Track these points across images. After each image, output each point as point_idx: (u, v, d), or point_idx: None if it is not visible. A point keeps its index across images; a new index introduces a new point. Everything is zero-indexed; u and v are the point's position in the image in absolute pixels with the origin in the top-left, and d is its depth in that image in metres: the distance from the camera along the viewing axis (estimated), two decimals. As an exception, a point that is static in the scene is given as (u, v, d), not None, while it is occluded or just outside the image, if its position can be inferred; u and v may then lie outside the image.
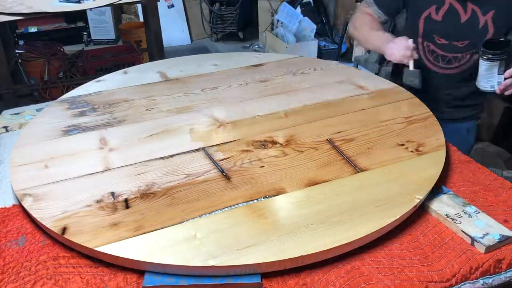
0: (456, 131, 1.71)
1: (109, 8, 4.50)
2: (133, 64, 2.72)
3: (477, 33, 1.56)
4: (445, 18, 1.60)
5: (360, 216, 0.95)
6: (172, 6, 4.76)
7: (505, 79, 1.42)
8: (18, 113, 1.51)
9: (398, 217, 0.95)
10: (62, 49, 3.88)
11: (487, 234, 0.95)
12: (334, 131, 1.27)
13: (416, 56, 1.54)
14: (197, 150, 1.20)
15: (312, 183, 1.06)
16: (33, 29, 4.51)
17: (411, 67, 1.52)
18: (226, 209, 0.98)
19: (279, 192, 1.03)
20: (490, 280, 0.91)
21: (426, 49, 1.67)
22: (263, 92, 1.53)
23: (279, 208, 0.98)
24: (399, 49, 1.53)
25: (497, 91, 1.45)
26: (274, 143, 1.22)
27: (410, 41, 1.52)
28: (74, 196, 1.02)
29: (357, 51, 4.20)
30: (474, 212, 1.01)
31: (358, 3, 3.10)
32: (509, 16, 1.54)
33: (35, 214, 0.97)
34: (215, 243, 0.88)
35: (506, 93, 1.44)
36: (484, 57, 1.40)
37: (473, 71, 1.55)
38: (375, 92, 1.51)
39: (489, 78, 1.43)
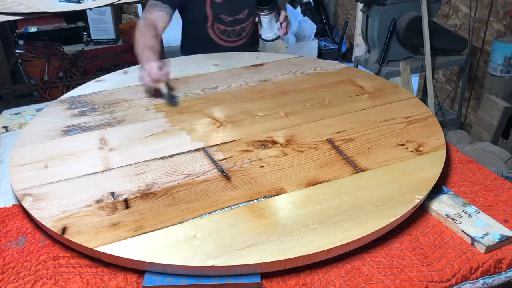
0: None
1: (109, 8, 4.50)
2: (133, 64, 2.71)
3: (251, 1, 1.76)
4: None
5: (360, 216, 0.95)
6: (172, 6, 4.75)
7: (281, 24, 1.72)
8: (18, 113, 1.51)
9: (398, 217, 0.95)
10: (62, 49, 3.88)
11: (487, 234, 0.95)
12: (334, 131, 1.27)
13: (164, 80, 1.46)
14: (197, 150, 1.20)
15: (312, 183, 1.06)
16: (33, 29, 4.51)
17: (164, 90, 1.48)
18: (226, 209, 0.98)
19: (279, 192, 1.03)
20: (490, 280, 0.91)
21: (217, 30, 1.86)
22: (263, 92, 1.53)
23: (279, 208, 0.98)
24: (147, 75, 1.44)
25: (281, 35, 1.74)
26: (274, 143, 1.22)
27: (156, 65, 1.44)
28: (74, 196, 1.02)
29: (357, 51, 4.20)
30: (474, 212, 1.01)
31: (358, 3, 3.11)
32: None
33: (35, 214, 0.97)
34: (215, 243, 0.88)
35: (287, 32, 1.74)
36: (264, 13, 1.65)
37: (255, 34, 1.91)
38: (375, 92, 1.51)
39: (272, 28, 1.69)
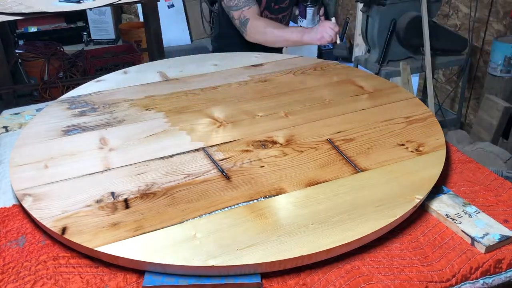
0: None
1: (109, 8, 4.51)
2: (133, 64, 2.72)
3: None
4: None
5: (360, 216, 0.95)
6: (172, 6, 4.76)
7: (320, 17, 1.91)
8: (18, 113, 1.51)
9: (398, 217, 0.95)
10: (62, 49, 3.88)
11: (487, 234, 0.95)
12: (334, 131, 1.27)
13: (340, 30, 1.79)
14: (197, 150, 1.20)
15: (312, 183, 1.06)
16: (33, 29, 4.51)
17: (338, 41, 1.78)
18: (226, 209, 0.98)
19: (279, 192, 1.03)
20: (490, 280, 0.91)
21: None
22: (263, 92, 1.53)
23: (279, 208, 0.98)
24: (327, 30, 1.74)
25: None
26: (274, 143, 1.22)
27: (333, 19, 1.78)
28: (74, 196, 1.02)
29: (357, 51, 4.20)
30: (474, 212, 1.01)
31: (358, 3, 3.11)
32: None
33: (35, 214, 0.97)
34: (215, 243, 0.88)
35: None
36: (309, 5, 1.83)
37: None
38: (375, 92, 1.51)
39: (314, 20, 1.89)
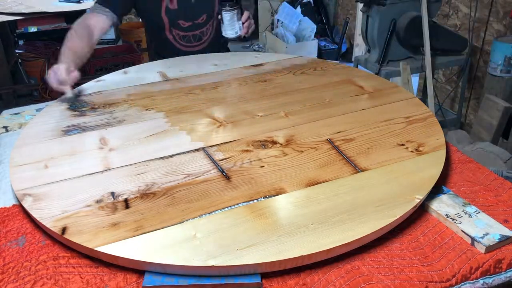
0: None
1: (109, 8, 4.50)
2: (133, 64, 2.72)
3: (208, 5, 1.83)
4: (180, 4, 1.79)
5: (360, 216, 0.95)
6: (172, 6, 4.75)
7: (243, 23, 1.73)
8: (18, 113, 1.51)
9: (398, 217, 0.95)
10: (62, 49, 3.87)
11: (487, 234, 0.95)
12: (334, 131, 1.27)
13: (69, 84, 1.45)
14: (197, 150, 1.20)
15: (312, 183, 1.06)
16: (33, 29, 4.50)
17: (68, 94, 1.46)
18: (226, 209, 0.98)
19: (279, 192, 1.03)
20: (490, 280, 0.91)
21: (176, 36, 1.86)
22: (263, 92, 1.53)
23: (279, 208, 0.98)
24: (55, 75, 1.43)
25: (242, 34, 1.75)
26: (274, 143, 1.22)
27: (63, 67, 1.44)
28: (74, 196, 1.02)
29: (357, 51, 4.20)
30: (474, 212, 1.01)
31: (358, 3, 3.10)
32: None
33: (35, 214, 0.97)
34: (215, 243, 0.88)
35: (248, 33, 1.76)
36: (226, 9, 1.66)
37: (216, 39, 1.91)
38: (375, 92, 1.51)
39: (233, 26, 1.69)
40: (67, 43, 1.61)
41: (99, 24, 1.70)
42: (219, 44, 1.99)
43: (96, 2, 1.76)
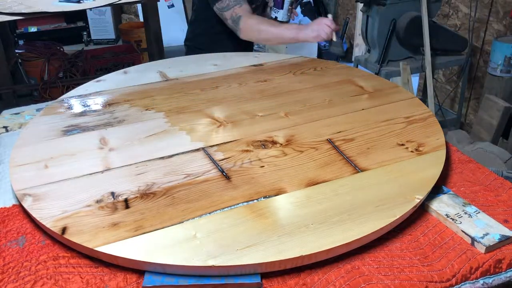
0: None
1: (109, 8, 4.51)
2: (133, 64, 2.72)
3: None
4: None
5: (360, 216, 0.95)
6: (172, 6, 4.76)
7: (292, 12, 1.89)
8: (18, 113, 1.51)
9: (398, 217, 0.95)
10: (62, 49, 3.88)
11: (487, 234, 0.95)
12: (334, 131, 1.27)
13: (338, 28, 1.77)
14: (197, 150, 1.20)
15: (312, 183, 1.06)
16: (33, 29, 4.51)
17: (334, 39, 1.76)
18: (226, 209, 0.98)
19: (279, 192, 1.03)
20: (490, 280, 0.91)
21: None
22: (263, 92, 1.53)
23: (279, 208, 0.98)
24: (323, 27, 1.72)
25: (291, 19, 1.92)
26: (274, 143, 1.22)
27: (330, 16, 1.78)
28: (74, 196, 1.02)
29: (357, 51, 4.20)
30: (474, 212, 1.01)
31: (358, 3, 3.10)
32: None
33: (35, 214, 0.97)
34: (215, 243, 0.88)
35: (291, 20, 1.91)
36: None
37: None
38: (375, 92, 1.51)
39: (287, 11, 1.86)
40: (269, 30, 1.81)
41: (249, 9, 1.86)
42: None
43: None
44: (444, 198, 1.06)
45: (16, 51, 3.81)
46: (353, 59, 3.35)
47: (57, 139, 1.26)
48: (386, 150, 1.18)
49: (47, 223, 0.94)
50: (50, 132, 1.30)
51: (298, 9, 4.34)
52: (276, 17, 1.89)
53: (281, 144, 1.21)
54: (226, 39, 2.00)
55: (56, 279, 0.86)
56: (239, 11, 1.81)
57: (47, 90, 3.42)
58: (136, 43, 4.26)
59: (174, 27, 4.77)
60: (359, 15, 3.81)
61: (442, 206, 1.03)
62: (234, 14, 1.82)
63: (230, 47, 1.98)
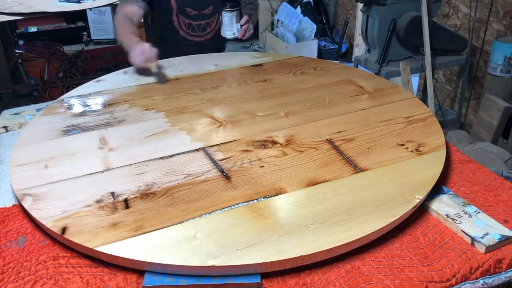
0: None
1: (109, 8, 4.50)
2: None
3: None
4: None
5: (360, 216, 0.95)
6: (172, 6, 4.75)
7: (241, 26, 1.79)
8: (18, 113, 1.51)
9: (398, 217, 0.95)
10: (62, 49, 3.88)
11: (487, 234, 0.95)
12: (334, 131, 1.27)
13: (155, 60, 1.62)
14: (197, 150, 1.20)
15: (312, 183, 1.06)
16: (33, 29, 4.50)
17: (153, 69, 1.65)
18: (226, 209, 0.98)
19: (279, 192, 1.03)
20: (490, 280, 0.91)
21: (182, 23, 1.90)
22: (263, 92, 1.53)
23: (279, 208, 0.98)
24: (141, 53, 1.58)
25: (239, 37, 1.81)
26: (274, 143, 1.22)
27: (147, 45, 1.60)
28: (74, 196, 1.02)
29: (357, 51, 4.20)
30: (474, 212, 1.01)
31: (358, 3, 3.11)
32: None
33: (35, 214, 0.97)
34: (215, 243, 0.88)
35: (245, 36, 1.82)
36: (225, 10, 1.73)
37: (220, 34, 1.90)
38: (375, 92, 1.51)
39: (231, 26, 1.77)
40: (122, 29, 1.73)
41: (135, 13, 1.80)
42: (221, 40, 2.00)
43: None
44: (444, 198, 1.06)
45: (16, 51, 3.81)
46: (353, 59, 3.35)
47: (57, 139, 1.26)
48: (386, 150, 1.18)
49: (47, 223, 0.94)
50: (50, 132, 1.30)
51: (298, 9, 4.34)
52: (222, 34, 1.86)
53: (281, 144, 1.21)
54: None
55: (56, 279, 0.86)
56: (119, 10, 1.83)
57: (47, 90, 3.42)
58: (136, 43, 4.26)
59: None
60: (359, 15, 3.81)
61: (442, 206, 1.03)
62: (116, 12, 1.85)
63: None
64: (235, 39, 1.84)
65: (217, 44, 2.02)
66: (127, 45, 1.65)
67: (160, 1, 1.88)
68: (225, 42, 2.14)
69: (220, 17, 1.91)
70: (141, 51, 1.58)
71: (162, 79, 1.62)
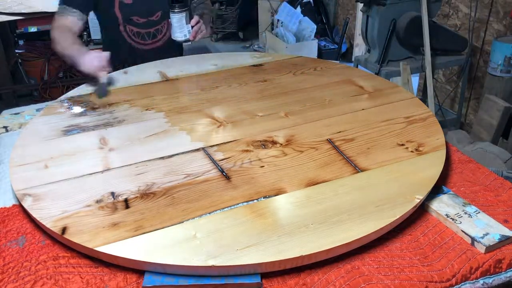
0: None
1: (109, 8, 4.50)
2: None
3: (164, 1, 1.73)
4: None
5: (360, 216, 0.95)
6: (172, 6, 4.76)
7: (192, 27, 1.70)
8: (18, 113, 1.51)
9: (398, 217, 0.95)
10: (62, 49, 3.87)
11: (487, 234, 0.95)
12: (334, 131, 1.27)
13: (108, 68, 1.56)
14: (197, 150, 1.20)
15: (312, 183, 1.06)
16: (33, 29, 4.50)
17: (102, 80, 1.53)
18: (226, 209, 0.98)
19: (279, 192, 1.03)
20: (490, 280, 0.91)
21: (130, 32, 1.83)
22: (263, 92, 1.53)
23: (279, 208, 0.98)
24: (94, 60, 1.52)
25: (191, 38, 1.71)
26: (274, 143, 1.22)
27: (106, 53, 1.54)
28: (74, 196, 1.02)
29: (357, 51, 4.20)
30: (474, 212, 1.01)
31: (358, 3, 3.10)
32: None
33: (35, 214, 0.97)
34: (215, 243, 0.88)
35: (197, 38, 1.73)
36: (174, 11, 1.65)
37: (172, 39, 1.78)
38: (375, 92, 1.51)
39: (181, 28, 1.68)
40: (64, 43, 1.64)
41: (74, 24, 1.72)
42: (175, 45, 1.90)
43: (60, 5, 1.74)
44: (444, 198, 1.06)
45: (16, 51, 3.81)
46: (353, 59, 3.35)
47: (57, 139, 1.26)
48: (386, 150, 1.18)
49: (47, 223, 0.94)
50: (50, 132, 1.30)
51: (298, 9, 4.33)
52: (172, 37, 1.74)
53: (281, 144, 1.21)
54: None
55: (56, 279, 0.86)
56: (54, 22, 1.73)
57: (47, 90, 3.42)
58: (136, 43, 4.26)
59: (174, 27, 4.77)
60: (359, 15, 3.81)
61: (442, 206, 1.03)
62: (53, 23, 1.74)
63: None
64: (187, 41, 1.75)
65: (173, 48, 1.94)
66: (72, 55, 1.58)
67: (105, 10, 1.80)
68: (181, 45, 2.01)
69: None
70: (90, 59, 1.52)
71: (103, 92, 1.51)
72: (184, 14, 1.66)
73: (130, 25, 1.82)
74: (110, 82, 1.57)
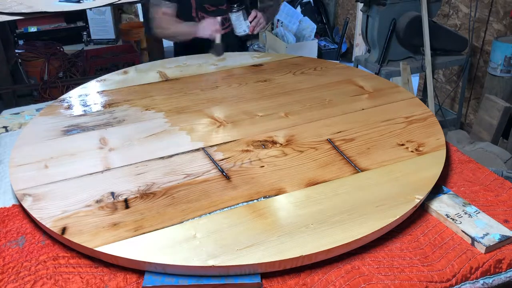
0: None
1: (109, 8, 4.50)
2: (133, 64, 2.72)
3: None
4: None
5: (360, 216, 0.95)
6: (172, 6, 4.75)
7: (250, 22, 1.89)
8: (18, 113, 1.51)
9: (398, 217, 0.95)
10: (62, 49, 3.88)
11: (487, 234, 0.95)
12: (334, 131, 1.27)
13: (222, 31, 1.85)
14: (197, 150, 1.20)
15: (312, 183, 1.06)
16: (33, 29, 4.50)
17: (217, 41, 1.83)
18: (226, 209, 0.98)
19: (279, 192, 1.03)
20: (490, 280, 0.91)
21: (200, 18, 1.99)
22: (263, 92, 1.53)
23: (279, 208, 0.98)
24: (209, 25, 1.83)
25: (249, 32, 1.91)
26: (274, 143, 1.22)
27: (218, 18, 1.85)
28: (74, 196, 1.02)
29: (357, 51, 4.20)
30: (474, 212, 1.01)
31: (358, 3, 3.10)
32: None
33: (34, 214, 0.97)
34: (215, 243, 0.88)
35: (256, 31, 1.91)
36: (232, 11, 1.86)
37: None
38: (375, 92, 1.51)
39: (240, 25, 1.88)
40: (173, 26, 1.93)
41: (173, 12, 1.95)
42: (236, 36, 2.04)
43: None
44: (444, 198, 1.06)
45: (16, 51, 3.81)
46: (353, 59, 3.35)
47: (57, 139, 1.26)
48: (386, 150, 1.18)
49: (47, 223, 0.94)
50: (50, 132, 1.30)
51: (298, 9, 4.34)
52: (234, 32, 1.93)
53: (281, 144, 1.21)
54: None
55: (56, 279, 0.86)
56: (154, 14, 1.97)
57: (47, 90, 3.42)
58: (136, 43, 4.26)
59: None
60: (359, 15, 3.81)
61: (442, 206, 1.03)
62: (155, 13, 1.97)
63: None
64: (247, 35, 1.93)
65: (237, 37, 2.05)
66: (189, 29, 1.88)
67: None
68: (242, 39, 2.18)
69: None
70: (206, 24, 1.83)
71: (220, 51, 1.84)
72: (240, 12, 1.86)
73: (202, 12, 1.98)
74: (222, 43, 1.85)
